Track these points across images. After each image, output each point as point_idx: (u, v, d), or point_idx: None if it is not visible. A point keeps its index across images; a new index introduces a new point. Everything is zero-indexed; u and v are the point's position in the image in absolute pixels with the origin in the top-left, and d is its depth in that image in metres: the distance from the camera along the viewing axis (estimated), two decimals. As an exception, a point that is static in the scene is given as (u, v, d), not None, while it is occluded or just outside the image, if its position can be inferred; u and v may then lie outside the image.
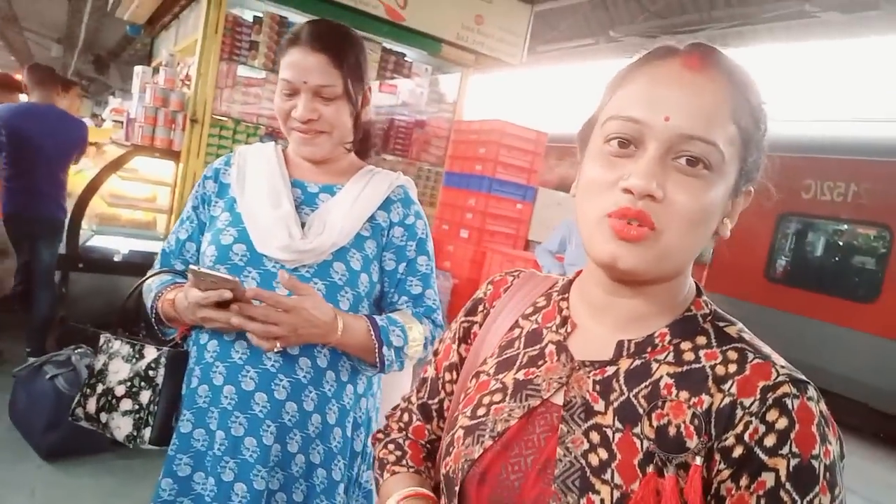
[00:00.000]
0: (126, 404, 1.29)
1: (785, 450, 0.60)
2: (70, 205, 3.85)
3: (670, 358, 0.69)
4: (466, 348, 0.89)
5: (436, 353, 0.94)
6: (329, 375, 1.28)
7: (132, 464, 2.83)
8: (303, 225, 1.28)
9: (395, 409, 0.98)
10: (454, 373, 0.89)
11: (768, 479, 0.60)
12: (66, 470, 2.75)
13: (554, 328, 0.79)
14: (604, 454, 0.66)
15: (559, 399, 0.72)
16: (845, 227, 6.49)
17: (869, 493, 4.36)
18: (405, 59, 4.36)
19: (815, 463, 0.60)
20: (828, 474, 0.60)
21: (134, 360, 1.31)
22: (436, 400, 0.91)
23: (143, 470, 2.80)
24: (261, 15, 3.89)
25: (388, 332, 1.26)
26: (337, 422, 1.29)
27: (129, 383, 1.30)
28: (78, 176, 4.44)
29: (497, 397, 0.76)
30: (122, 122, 4.80)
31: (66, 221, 3.82)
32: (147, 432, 1.28)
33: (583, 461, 0.66)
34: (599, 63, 9.18)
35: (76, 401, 1.33)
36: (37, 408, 2.75)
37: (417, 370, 1.11)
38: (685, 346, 0.69)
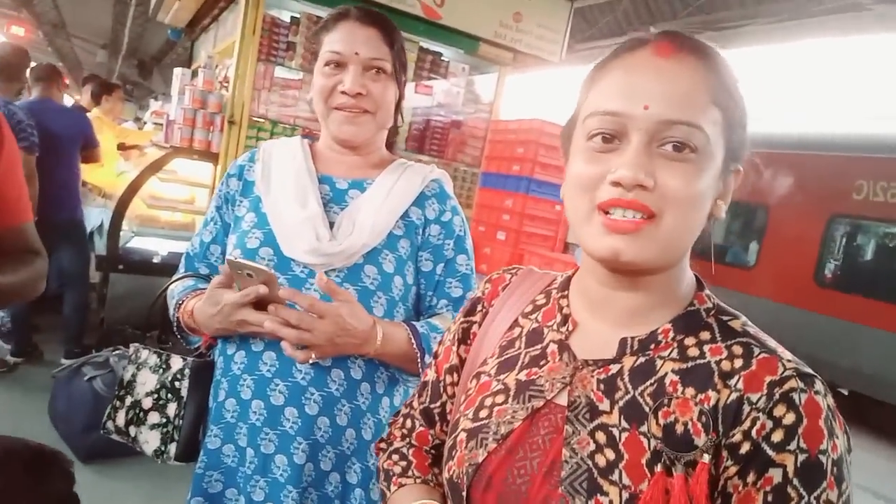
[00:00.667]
0: (153, 417, 1.23)
1: (792, 445, 0.59)
2: (111, 206, 3.90)
3: (675, 354, 0.68)
4: (466, 349, 0.87)
5: (436, 356, 0.92)
6: (364, 387, 1.20)
7: (170, 467, 2.82)
8: (331, 225, 1.20)
9: (397, 415, 0.96)
10: (455, 375, 0.87)
11: (776, 475, 0.60)
12: (104, 472, 2.77)
13: (555, 327, 0.78)
14: (611, 454, 0.65)
15: (563, 399, 0.71)
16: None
17: None
18: (442, 58, 4.29)
19: (822, 458, 0.59)
20: (835, 469, 0.60)
21: (161, 371, 1.25)
22: (438, 403, 0.89)
23: (181, 473, 2.77)
24: (298, 15, 3.87)
25: (430, 339, 1.18)
26: (374, 437, 1.20)
27: (155, 395, 1.24)
28: (119, 178, 4.50)
29: (499, 399, 0.75)
30: (162, 125, 4.84)
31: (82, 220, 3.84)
32: (173, 448, 1.22)
33: (589, 462, 0.65)
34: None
35: (107, 413, 1.29)
36: (75, 409, 2.77)
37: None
38: (689, 341, 0.68)
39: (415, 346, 1.16)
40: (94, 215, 4.41)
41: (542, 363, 0.75)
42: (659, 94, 0.64)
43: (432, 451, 0.90)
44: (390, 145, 1.36)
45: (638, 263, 0.66)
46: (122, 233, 3.90)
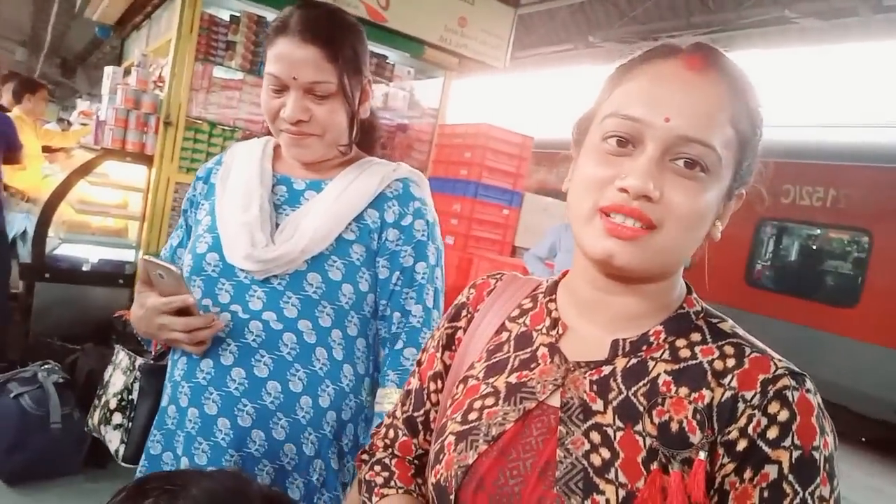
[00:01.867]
0: (117, 418, 1.21)
1: (787, 442, 0.61)
2: (35, 212, 3.66)
3: (666, 355, 0.69)
4: (451, 355, 0.86)
5: (419, 364, 0.90)
6: (304, 401, 1.13)
7: (102, 487, 2.66)
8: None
9: (379, 426, 0.94)
10: (439, 382, 0.86)
11: (771, 471, 0.61)
12: (30, 494, 2.58)
13: (544, 330, 0.78)
14: (606, 453, 0.65)
15: (555, 401, 0.71)
16: None
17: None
18: (387, 61, 4.26)
19: (815, 454, 0.61)
20: (827, 465, 0.61)
21: (128, 372, 1.23)
22: (421, 412, 0.88)
23: (109, 493, 2.63)
24: (238, 14, 3.76)
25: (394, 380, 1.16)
26: (317, 453, 1.15)
27: (119, 396, 1.22)
28: (44, 181, 4.24)
29: (489, 401, 0.75)
30: (90, 126, 4.60)
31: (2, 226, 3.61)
32: (122, 449, 1.19)
33: (585, 462, 0.65)
34: (578, 68, 9.18)
35: (89, 412, 1.28)
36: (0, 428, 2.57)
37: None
38: (680, 343, 0.69)
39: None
40: (18, 221, 4.14)
41: (532, 366, 0.75)
42: (681, 109, 0.64)
43: (415, 462, 0.88)
44: (368, 145, 1.29)
45: (629, 269, 0.66)
46: (48, 239, 3.67)
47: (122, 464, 1.21)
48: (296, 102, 1.10)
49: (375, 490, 0.83)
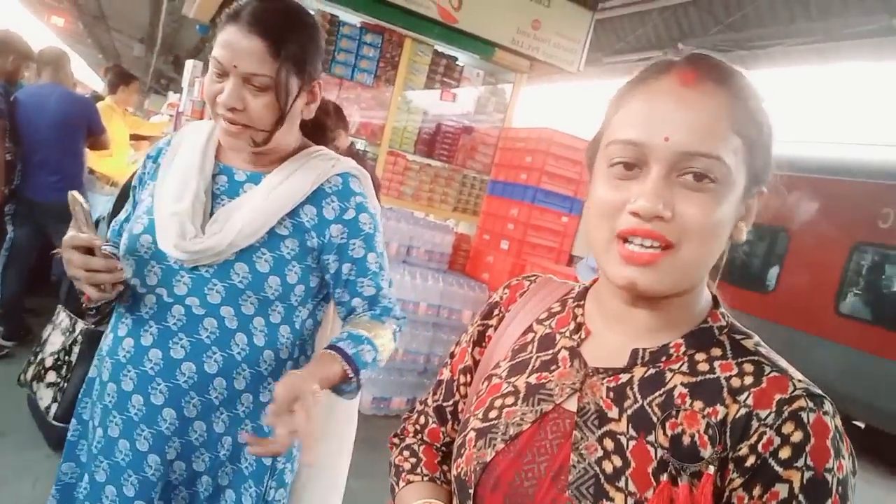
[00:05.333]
0: (51, 376, 1.34)
1: (799, 462, 0.60)
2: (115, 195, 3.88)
3: (684, 368, 0.69)
4: (481, 351, 0.90)
5: (451, 356, 0.94)
6: (245, 398, 1.19)
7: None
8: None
9: (412, 411, 0.98)
10: (468, 376, 0.90)
11: (781, 490, 0.60)
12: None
13: (567, 334, 0.79)
14: (618, 461, 0.66)
15: (571, 405, 0.72)
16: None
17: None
18: (457, 62, 4.25)
19: (828, 476, 0.60)
20: (840, 488, 0.61)
21: (68, 334, 1.27)
22: (450, 402, 0.92)
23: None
24: (312, 13, 3.84)
25: (360, 354, 1.14)
26: (226, 430, 1.20)
27: (56, 356, 1.28)
28: (129, 168, 4.51)
29: (509, 400, 0.77)
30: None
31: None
32: (54, 407, 1.24)
33: (597, 468, 0.66)
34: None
35: (23, 367, 1.33)
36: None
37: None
38: (700, 356, 0.70)
39: (350, 372, 1.13)
40: (102, 203, 4.41)
41: (552, 368, 0.77)
42: (679, 125, 0.64)
43: (443, 449, 0.92)
44: (319, 139, 1.29)
45: (654, 292, 0.67)
46: (125, 221, 3.88)
47: (53, 422, 1.27)
48: (233, 90, 1.09)
49: (403, 475, 0.88)
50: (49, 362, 1.33)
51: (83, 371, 1.27)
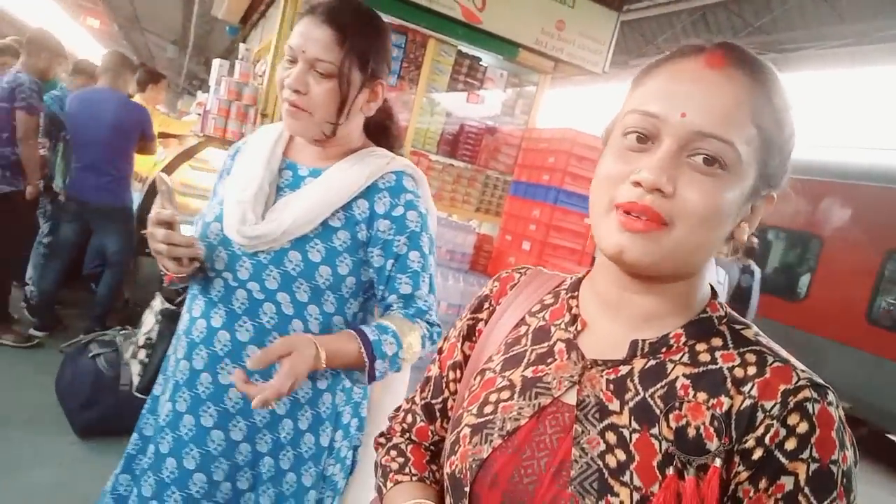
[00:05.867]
0: (142, 354, 1.57)
1: (805, 454, 0.60)
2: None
3: (685, 359, 0.68)
4: (471, 346, 0.88)
5: (440, 352, 0.93)
6: (304, 383, 1.21)
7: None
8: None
9: (398, 410, 0.96)
10: (458, 371, 0.88)
11: (787, 482, 0.60)
12: (96, 449, 2.79)
13: (563, 326, 0.78)
14: (622, 455, 0.65)
15: (570, 398, 0.71)
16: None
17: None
18: (480, 63, 4.24)
19: (833, 468, 0.60)
20: (845, 480, 0.61)
21: (158, 317, 1.38)
22: (439, 399, 0.90)
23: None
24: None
25: (381, 343, 1.18)
26: (309, 427, 1.27)
27: (147, 336, 1.54)
28: (157, 165, 4.60)
29: (504, 395, 0.76)
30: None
31: (129, 207, 3.93)
32: (136, 381, 1.48)
33: (600, 462, 0.65)
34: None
35: (129, 351, 1.56)
36: (77, 384, 2.79)
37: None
38: (700, 347, 0.69)
39: (365, 356, 1.17)
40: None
41: (549, 361, 0.76)
42: (698, 105, 0.64)
43: (431, 448, 0.91)
44: (381, 142, 1.37)
45: (641, 264, 0.66)
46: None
47: (136, 394, 1.36)
48: (299, 73, 1.18)
49: (390, 476, 0.85)
50: (141, 341, 1.50)
51: (163, 348, 1.41)
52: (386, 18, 4.04)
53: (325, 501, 1.31)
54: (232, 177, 1.30)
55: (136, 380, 1.41)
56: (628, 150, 0.68)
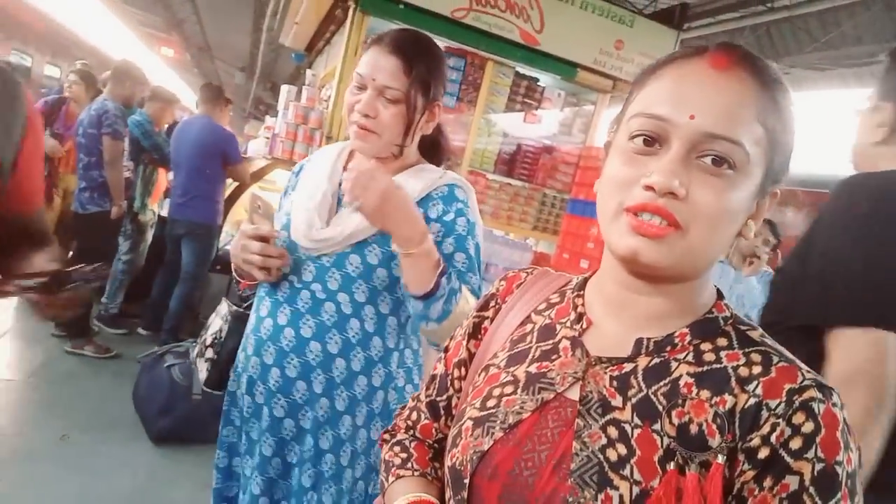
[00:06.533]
0: (209, 353, 1.71)
1: (810, 454, 0.60)
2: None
3: (690, 358, 0.68)
4: (476, 344, 0.89)
5: (446, 350, 0.93)
6: (361, 380, 1.36)
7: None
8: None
9: (403, 407, 0.98)
10: (463, 369, 0.89)
11: (792, 482, 0.60)
12: (170, 456, 2.93)
13: (568, 324, 0.79)
14: (622, 449, 0.65)
15: (573, 394, 0.72)
16: None
17: None
18: (538, 83, 4.29)
19: (838, 469, 0.60)
20: (849, 481, 0.60)
21: (225, 318, 1.50)
22: (444, 397, 0.91)
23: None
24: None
25: (451, 275, 1.27)
26: (347, 408, 1.36)
27: (214, 336, 1.67)
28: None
29: (508, 389, 0.76)
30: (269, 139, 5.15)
31: (211, 226, 4.16)
32: (204, 376, 1.66)
33: (600, 456, 0.66)
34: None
35: (196, 349, 1.70)
36: (153, 393, 2.95)
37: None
38: (705, 346, 0.69)
39: (437, 273, 1.23)
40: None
41: (553, 357, 0.76)
42: (706, 106, 0.64)
43: (435, 445, 0.91)
44: (435, 157, 1.49)
45: (656, 268, 0.67)
46: (224, 236, 4.17)
47: (204, 388, 1.47)
48: (369, 100, 1.31)
49: (392, 470, 0.86)
50: (209, 341, 1.64)
51: (232, 345, 1.54)
52: (446, 42, 4.16)
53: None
54: (298, 190, 1.44)
55: (203, 375, 1.55)
56: (635, 153, 0.68)
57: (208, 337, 1.64)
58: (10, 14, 7.95)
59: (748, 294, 3.38)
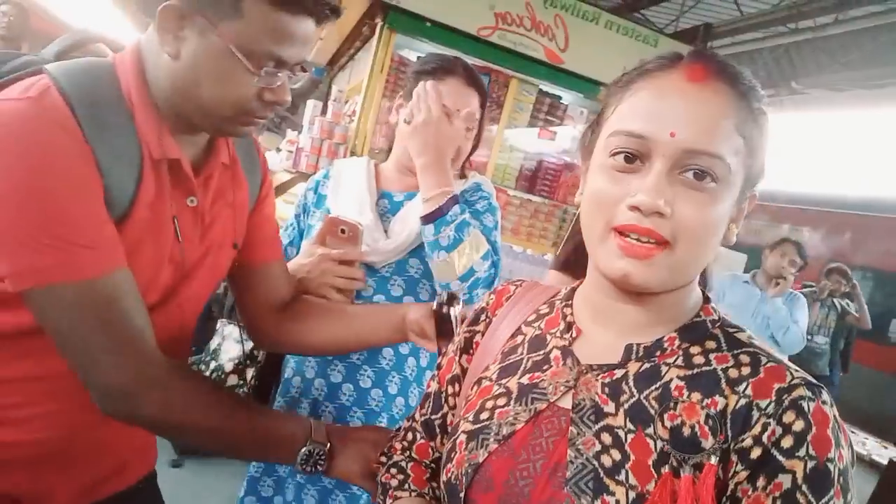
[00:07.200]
0: (232, 379, 1.57)
1: (802, 452, 0.60)
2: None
3: (680, 361, 0.69)
4: (468, 359, 0.88)
5: (438, 367, 0.93)
6: (410, 362, 1.42)
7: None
8: (386, 231, 1.41)
9: (398, 428, 0.97)
10: (457, 385, 0.89)
11: (785, 480, 0.60)
12: (193, 469, 2.96)
13: (558, 334, 0.79)
14: (617, 455, 0.65)
15: (566, 403, 0.72)
16: None
17: None
18: (560, 101, 4.32)
19: (830, 466, 0.60)
20: (841, 479, 0.60)
21: (244, 342, 1.56)
22: (439, 415, 0.90)
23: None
24: (421, 55, 4.05)
25: (463, 209, 1.32)
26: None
27: (236, 361, 1.57)
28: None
29: (501, 401, 0.76)
30: (293, 153, 5.20)
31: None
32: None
33: (595, 462, 0.65)
34: (780, 115, 8.51)
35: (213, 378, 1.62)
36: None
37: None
38: (694, 350, 0.69)
39: (446, 200, 1.29)
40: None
41: (545, 368, 0.76)
42: (686, 122, 0.64)
43: (431, 465, 0.90)
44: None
45: (647, 287, 0.67)
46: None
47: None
48: (458, 130, 1.42)
49: (389, 493, 0.85)
50: (229, 367, 1.61)
51: (269, 371, 1.56)
52: (471, 60, 4.20)
53: None
54: (341, 204, 1.44)
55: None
56: (617, 170, 0.67)
57: (226, 363, 1.64)
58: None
59: (774, 315, 3.36)
